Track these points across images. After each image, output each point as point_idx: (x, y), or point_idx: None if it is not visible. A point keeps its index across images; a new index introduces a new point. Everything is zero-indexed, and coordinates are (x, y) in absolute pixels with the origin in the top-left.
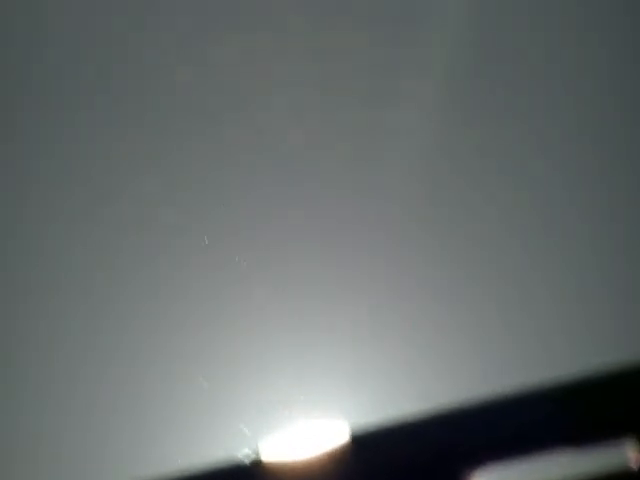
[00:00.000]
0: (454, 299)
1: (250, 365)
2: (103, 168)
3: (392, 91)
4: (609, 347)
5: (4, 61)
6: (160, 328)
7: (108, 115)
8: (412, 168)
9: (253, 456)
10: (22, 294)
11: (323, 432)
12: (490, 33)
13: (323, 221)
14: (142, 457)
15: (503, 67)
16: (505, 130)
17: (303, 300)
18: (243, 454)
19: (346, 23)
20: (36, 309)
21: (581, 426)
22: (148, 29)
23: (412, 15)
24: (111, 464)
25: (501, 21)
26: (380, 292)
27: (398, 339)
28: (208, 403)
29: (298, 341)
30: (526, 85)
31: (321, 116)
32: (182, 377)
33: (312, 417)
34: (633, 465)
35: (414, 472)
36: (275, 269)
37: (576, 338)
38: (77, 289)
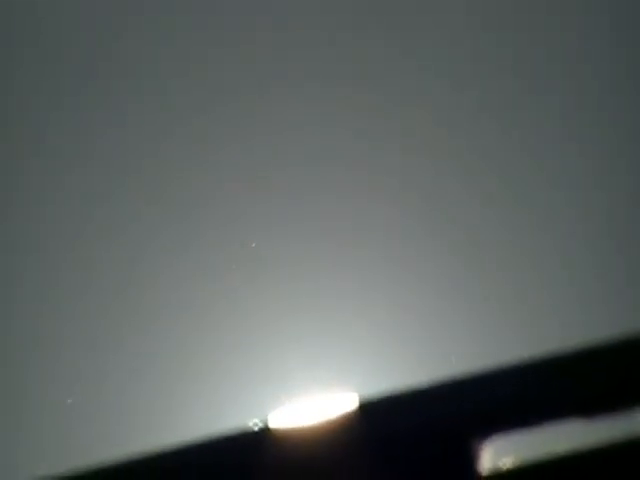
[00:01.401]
0: (463, 268)
1: (259, 338)
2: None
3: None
4: (622, 316)
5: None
6: (178, 303)
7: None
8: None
9: (262, 424)
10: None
11: (331, 402)
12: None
13: (334, 202)
14: (154, 426)
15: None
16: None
17: (313, 274)
18: (252, 423)
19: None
20: (50, 303)
21: (592, 395)
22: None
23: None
24: (124, 433)
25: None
26: (388, 264)
27: (406, 309)
28: (219, 375)
29: (307, 314)
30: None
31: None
32: (194, 347)
33: (321, 388)
34: None
35: (422, 441)
36: (286, 247)
37: (588, 307)
38: (82, 272)
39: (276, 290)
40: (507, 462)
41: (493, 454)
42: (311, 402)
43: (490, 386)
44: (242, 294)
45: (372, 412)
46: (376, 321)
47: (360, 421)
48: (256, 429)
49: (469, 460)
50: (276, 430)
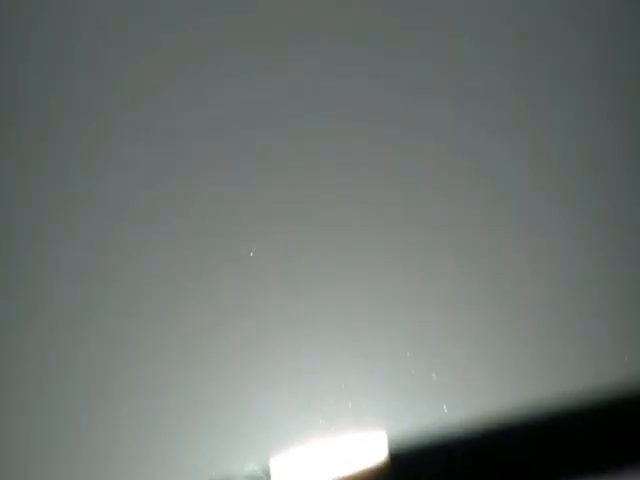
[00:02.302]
0: (505, 296)
1: (261, 367)
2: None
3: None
4: None
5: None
6: (168, 336)
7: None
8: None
9: (261, 476)
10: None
11: (351, 446)
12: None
13: (348, 211)
14: (144, 472)
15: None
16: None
17: (322, 290)
18: (249, 473)
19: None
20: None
21: None
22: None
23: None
24: (117, 477)
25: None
26: (415, 290)
27: (443, 325)
28: (213, 411)
29: (319, 335)
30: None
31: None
32: (186, 383)
33: (337, 429)
34: None
35: None
36: (293, 260)
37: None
38: (75, 282)
39: (278, 305)
40: None
41: None
42: (325, 445)
43: (548, 428)
44: (240, 306)
45: (406, 459)
46: (404, 339)
47: (391, 471)
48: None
49: None
50: None
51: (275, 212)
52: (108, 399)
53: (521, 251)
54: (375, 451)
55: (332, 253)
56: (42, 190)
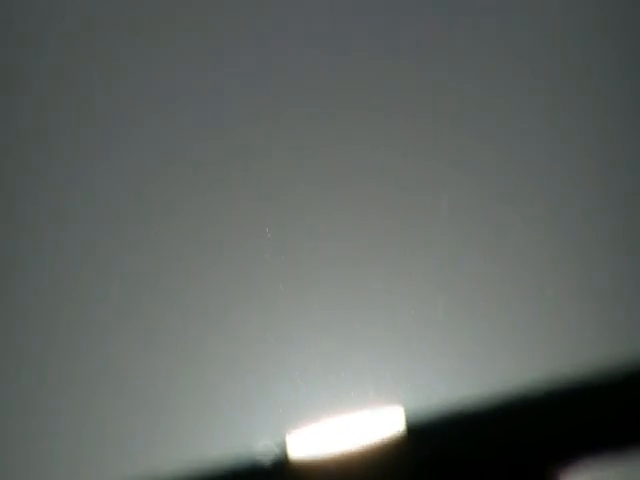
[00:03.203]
0: (517, 274)
1: (277, 341)
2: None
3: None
4: None
5: None
6: (186, 314)
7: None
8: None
9: (277, 452)
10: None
11: (368, 420)
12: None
13: (363, 204)
14: (156, 448)
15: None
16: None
17: (341, 273)
18: (264, 449)
19: None
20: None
21: None
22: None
23: None
24: (128, 457)
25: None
26: (434, 272)
27: (459, 303)
28: (228, 386)
29: (333, 313)
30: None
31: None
32: (202, 362)
33: (354, 402)
34: None
35: (486, 473)
36: (310, 244)
37: None
38: (77, 278)
39: (297, 286)
40: None
41: None
42: (341, 421)
43: (569, 404)
44: (257, 291)
45: (425, 434)
46: (422, 316)
47: (408, 446)
48: (270, 457)
49: None
50: (296, 460)
51: (286, 204)
52: (126, 376)
53: (532, 237)
54: (390, 427)
55: (342, 240)
56: (42, 189)
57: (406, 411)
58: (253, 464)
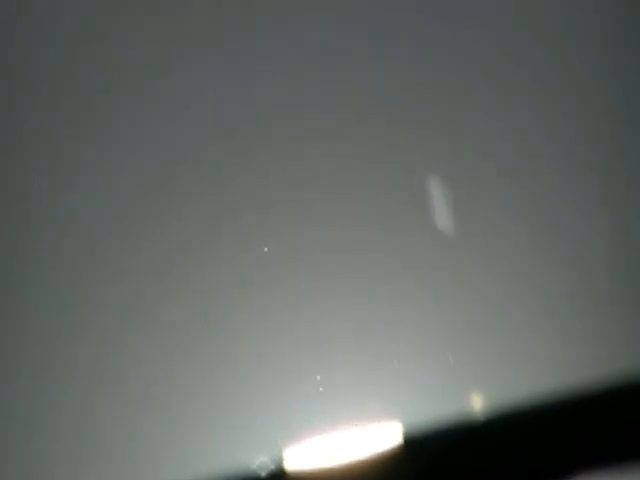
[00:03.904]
0: (520, 286)
1: (273, 356)
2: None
3: None
4: None
5: None
6: (180, 327)
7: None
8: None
9: (273, 467)
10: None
11: (366, 435)
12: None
13: (363, 209)
14: (154, 465)
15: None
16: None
17: (334, 279)
18: (261, 464)
19: None
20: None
21: None
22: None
23: None
24: (125, 470)
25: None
26: (431, 279)
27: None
28: (222, 401)
29: (331, 323)
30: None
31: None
32: (198, 375)
33: (351, 417)
34: None
35: None
36: (305, 252)
37: None
38: (80, 279)
39: (295, 298)
40: None
41: None
42: (339, 436)
43: (568, 415)
44: (254, 303)
45: (422, 448)
46: (421, 325)
47: (406, 460)
48: (267, 472)
49: None
50: (293, 473)
51: (288, 209)
52: (119, 393)
53: (535, 243)
54: (388, 441)
55: (342, 249)
56: (41, 188)
57: (404, 424)
58: (250, 478)
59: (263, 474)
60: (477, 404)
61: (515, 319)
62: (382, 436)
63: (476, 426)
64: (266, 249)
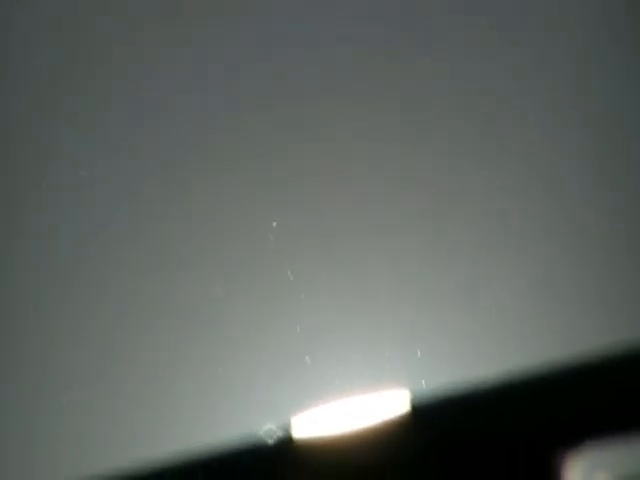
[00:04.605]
0: (527, 245)
1: (280, 322)
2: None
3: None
4: None
5: None
6: (191, 298)
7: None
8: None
9: (281, 435)
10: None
11: (373, 402)
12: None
13: (374, 194)
14: (159, 432)
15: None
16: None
17: (345, 254)
18: (269, 432)
19: None
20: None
21: None
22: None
23: None
24: (131, 441)
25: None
26: (441, 245)
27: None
28: (230, 370)
29: (337, 293)
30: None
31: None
32: (204, 344)
33: (358, 384)
34: None
35: (492, 453)
36: (311, 229)
37: None
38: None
39: (303, 272)
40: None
41: (581, 469)
42: (346, 403)
43: (578, 383)
44: (263, 277)
45: (429, 416)
46: (428, 293)
47: (413, 428)
48: (274, 440)
49: (551, 477)
50: (301, 441)
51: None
52: (127, 361)
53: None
54: (395, 410)
55: (348, 227)
56: (39, 187)
57: (411, 393)
58: (258, 447)
59: (270, 441)
60: (482, 373)
61: (519, 286)
62: (389, 404)
63: (483, 394)
64: (275, 224)
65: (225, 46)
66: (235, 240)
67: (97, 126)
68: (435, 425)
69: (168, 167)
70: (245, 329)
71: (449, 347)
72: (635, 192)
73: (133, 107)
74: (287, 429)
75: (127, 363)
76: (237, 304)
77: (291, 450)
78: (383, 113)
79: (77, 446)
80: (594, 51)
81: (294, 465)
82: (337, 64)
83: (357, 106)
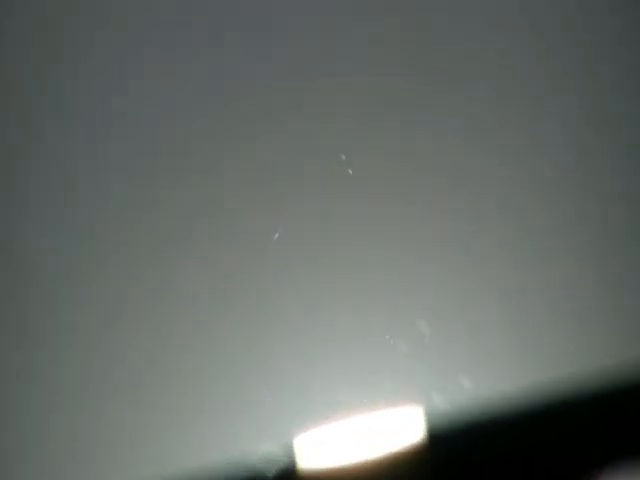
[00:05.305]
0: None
1: (286, 339)
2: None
3: None
4: None
5: None
6: (189, 313)
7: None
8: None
9: (282, 458)
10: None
11: (383, 421)
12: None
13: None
14: (161, 455)
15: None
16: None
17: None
18: (267, 456)
19: None
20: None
21: None
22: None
23: None
24: (129, 461)
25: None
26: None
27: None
28: (232, 389)
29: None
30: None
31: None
32: (207, 362)
33: (366, 406)
34: None
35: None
36: (314, 235)
37: None
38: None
39: (307, 284)
40: None
41: None
42: (353, 422)
43: (593, 406)
44: (264, 290)
45: (442, 437)
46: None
47: (426, 449)
48: (275, 464)
49: None
50: (304, 464)
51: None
52: (128, 379)
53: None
54: (407, 431)
55: (354, 228)
56: (40, 186)
57: (424, 414)
58: (258, 470)
59: (272, 465)
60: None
61: (534, 308)
62: (401, 426)
63: (494, 418)
64: (277, 235)
65: (225, 46)
66: (235, 252)
67: (97, 126)
68: (448, 447)
69: (168, 167)
70: (247, 346)
71: (464, 368)
72: None
73: (133, 107)
74: (290, 452)
75: (127, 385)
76: (237, 321)
77: (292, 476)
78: (383, 113)
79: (72, 470)
80: (594, 51)
81: None
82: (337, 64)
83: (357, 106)
